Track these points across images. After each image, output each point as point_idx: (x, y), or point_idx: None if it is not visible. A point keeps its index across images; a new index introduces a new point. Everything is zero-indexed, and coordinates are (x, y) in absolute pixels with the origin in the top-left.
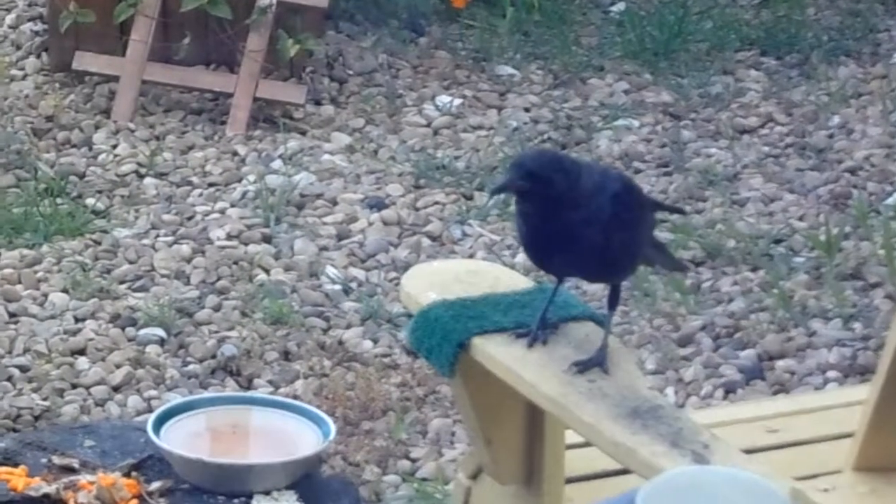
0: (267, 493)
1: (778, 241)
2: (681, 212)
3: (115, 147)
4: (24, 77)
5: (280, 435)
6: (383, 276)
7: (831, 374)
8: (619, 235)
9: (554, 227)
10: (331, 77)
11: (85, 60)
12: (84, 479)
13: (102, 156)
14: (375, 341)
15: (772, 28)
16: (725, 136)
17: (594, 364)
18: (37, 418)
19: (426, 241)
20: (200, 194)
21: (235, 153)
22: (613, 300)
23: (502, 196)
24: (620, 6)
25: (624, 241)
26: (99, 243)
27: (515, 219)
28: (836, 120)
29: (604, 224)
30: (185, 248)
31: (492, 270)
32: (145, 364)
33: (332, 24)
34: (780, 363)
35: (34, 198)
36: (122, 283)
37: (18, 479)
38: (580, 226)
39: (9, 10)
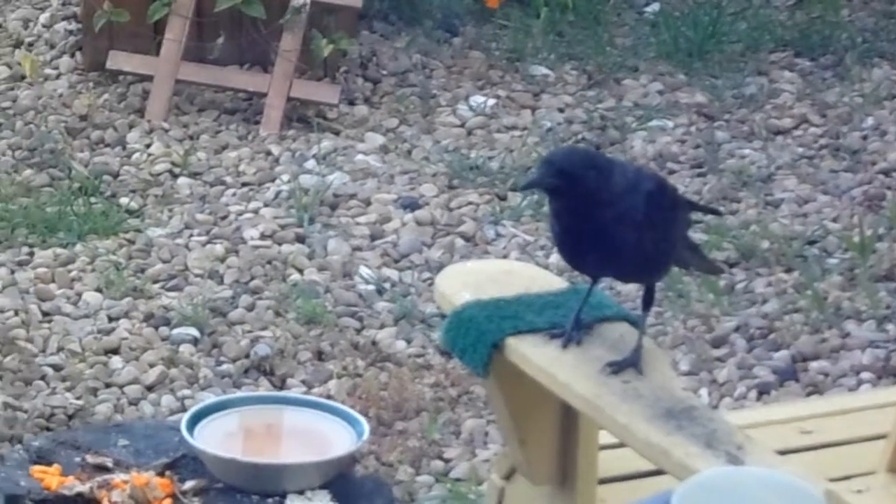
0: (300, 492)
1: (812, 243)
2: (717, 213)
3: (148, 146)
4: (58, 76)
5: (313, 435)
6: (417, 277)
7: (865, 375)
8: (652, 235)
9: (587, 225)
10: (364, 77)
11: (119, 60)
12: (118, 478)
13: (136, 155)
14: (409, 341)
15: (806, 29)
16: (759, 137)
17: (628, 365)
18: (70, 417)
19: (460, 242)
20: (234, 194)
21: (269, 153)
22: (648, 300)
23: (535, 194)
24: (655, 7)
25: (657, 241)
26: (133, 242)
27: (549, 218)
28: (870, 121)
29: (637, 223)
30: (219, 248)
31: (526, 271)
32: (179, 363)
33: (366, 24)
34: (813, 364)
35: (68, 197)
36: (155, 282)
37: (52, 477)
38: (613, 224)
39: (43, 10)
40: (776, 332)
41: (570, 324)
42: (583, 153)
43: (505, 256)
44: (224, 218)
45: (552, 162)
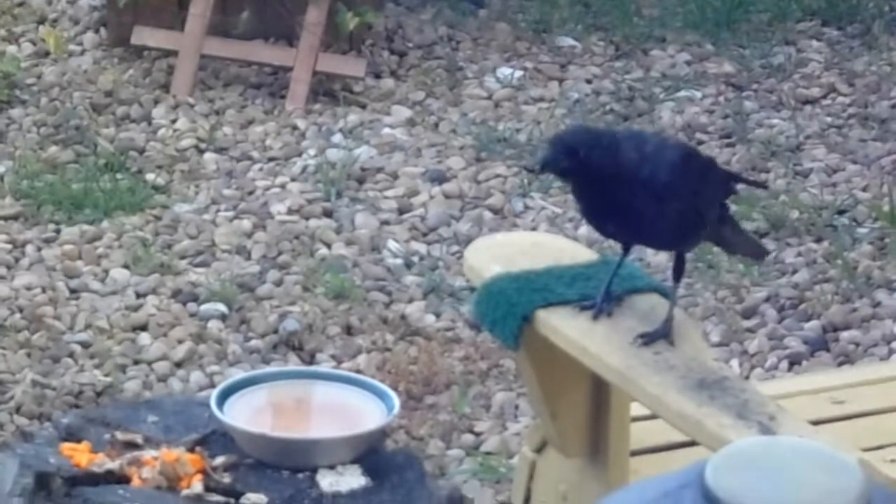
0: (331, 467)
1: (841, 212)
2: (762, 186)
3: (174, 122)
4: (83, 52)
5: (343, 409)
6: (445, 250)
7: None
8: (676, 204)
9: (606, 198)
10: (390, 50)
11: (143, 35)
12: (148, 454)
13: (162, 131)
14: (438, 315)
15: None
16: (788, 107)
17: (660, 336)
18: (99, 394)
19: (488, 215)
20: (260, 169)
21: (295, 127)
22: (678, 271)
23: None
24: None
25: (682, 210)
26: (159, 218)
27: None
28: None
29: (657, 192)
30: (246, 223)
31: (556, 243)
32: (207, 339)
33: None
34: (844, 334)
35: (94, 173)
36: (182, 258)
37: (82, 454)
38: (632, 195)
39: None
40: (807, 303)
41: (600, 295)
42: (587, 130)
43: (533, 229)
44: (251, 193)
45: (558, 142)
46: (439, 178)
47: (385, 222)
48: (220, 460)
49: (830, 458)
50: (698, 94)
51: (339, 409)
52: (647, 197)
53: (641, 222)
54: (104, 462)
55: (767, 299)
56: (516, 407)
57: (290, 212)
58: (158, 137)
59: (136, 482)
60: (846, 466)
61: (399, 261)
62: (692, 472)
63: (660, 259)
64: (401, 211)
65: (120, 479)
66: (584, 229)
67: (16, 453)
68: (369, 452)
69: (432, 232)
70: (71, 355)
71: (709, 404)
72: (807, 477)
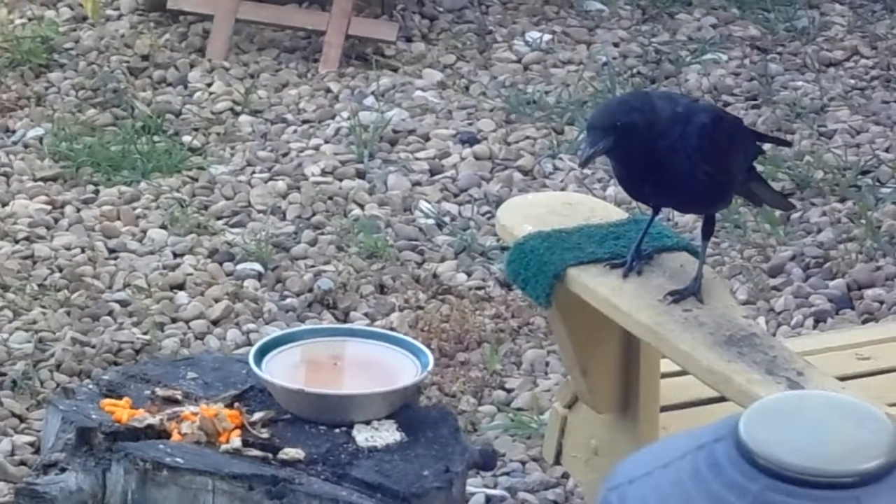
0: (367, 422)
1: (865, 172)
2: (785, 143)
3: (209, 85)
4: (120, 17)
5: (378, 366)
6: (476, 211)
7: None
8: (708, 165)
9: (641, 161)
10: (421, 14)
11: (179, 0)
12: (187, 410)
13: (198, 94)
14: (469, 274)
15: None
16: (812, 70)
17: (689, 293)
18: (137, 352)
19: (518, 176)
20: (295, 131)
21: (328, 90)
22: (707, 230)
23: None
24: None
25: (713, 171)
26: (196, 180)
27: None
28: None
29: (689, 153)
30: (281, 184)
31: (587, 202)
32: (243, 298)
33: None
34: (868, 292)
35: (131, 136)
36: (219, 218)
37: (123, 410)
38: (665, 156)
39: None
40: (831, 261)
41: (630, 254)
42: (620, 104)
43: (563, 189)
44: (285, 155)
45: (596, 126)
46: (470, 140)
47: (417, 183)
48: (257, 416)
49: (862, 411)
50: (724, 57)
51: (374, 365)
52: (681, 160)
53: (675, 185)
54: (144, 417)
55: (793, 258)
56: (546, 364)
57: (323, 173)
58: (194, 100)
59: (175, 437)
60: (877, 419)
61: (431, 221)
62: (725, 426)
63: (687, 218)
64: (432, 172)
65: (160, 434)
66: (612, 189)
67: (58, 409)
68: (404, 408)
69: (463, 193)
70: (110, 314)
71: (738, 360)
72: (839, 429)
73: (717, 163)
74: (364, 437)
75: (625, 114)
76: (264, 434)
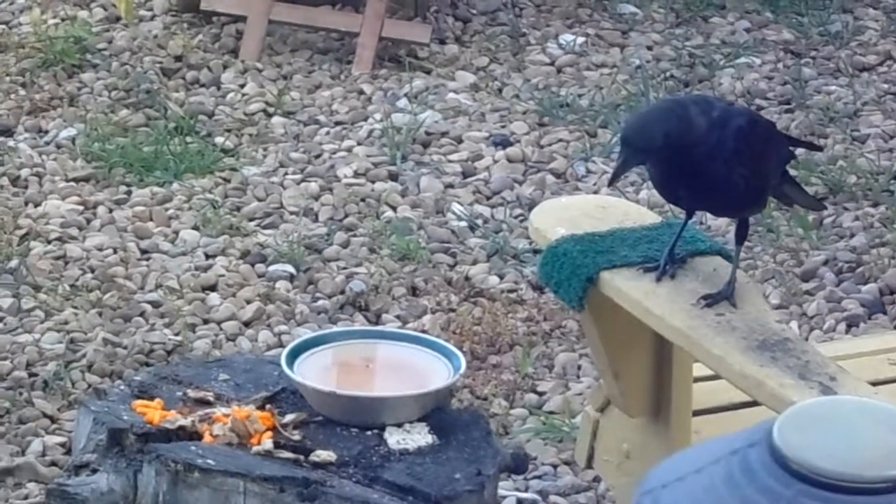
0: (399, 425)
1: None
2: (816, 147)
3: (242, 86)
4: (153, 18)
5: (410, 368)
6: (508, 213)
7: None
8: (743, 169)
9: (677, 166)
10: (455, 16)
11: (213, 1)
12: (219, 411)
13: (231, 95)
14: (501, 277)
15: None
16: (845, 74)
17: (722, 298)
18: (169, 353)
19: (550, 178)
20: (327, 133)
21: (361, 92)
22: (741, 234)
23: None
24: None
25: (749, 175)
26: (228, 181)
27: None
28: None
29: (726, 158)
30: (313, 186)
31: (620, 205)
32: (275, 300)
33: None
34: None
35: (164, 136)
36: (251, 220)
37: (154, 411)
38: (702, 161)
39: None
40: (864, 266)
41: (663, 257)
42: (652, 116)
43: (595, 192)
44: (318, 156)
45: (629, 142)
46: (503, 143)
47: (449, 185)
48: (289, 418)
49: (894, 416)
50: (758, 61)
51: (405, 368)
52: (718, 164)
53: (711, 189)
54: (176, 419)
55: (826, 262)
56: (578, 367)
57: (356, 175)
58: (227, 102)
59: (207, 439)
60: None
61: (463, 223)
62: (759, 431)
63: (720, 222)
64: (465, 174)
65: (192, 435)
66: (645, 193)
67: (89, 410)
68: (436, 411)
69: (496, 195)
70: (142, 314)
71: (770, 365)
72: (872, 435)
73: (752, 166)
74: (396, 439)
75: (663, 134)
76: (296, 436)
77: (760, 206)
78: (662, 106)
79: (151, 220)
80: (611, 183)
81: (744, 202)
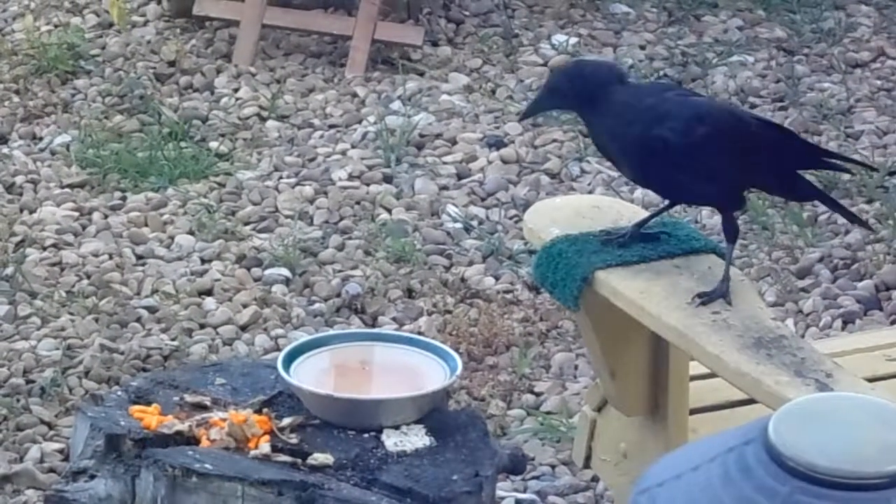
0: (396, 427)
1: (892, 174)
2: (847, 170)
3: (236, 91)
4: (146, 23)
5: (407, 370)
6: (503, 214)
7: None
8: (691, 167)
9: (608, 140)
10: (447, 18)
11: (205, 6)
12: (216, 416)
13: (224, 99)
14: (497, 278)
15: None
16: (838, 71)
17: (717, 296)
18: (166, 358)
19: (545, 179)
20: (321, 136)
21: (355, 95)
22: (729, 232)
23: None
24: None
25: (697, 175)
26: (223, 185)
27: None
28: None
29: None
30: (308, 189)
31: (614, 205)
32: (271, 303)
33: None
34: None
35: (158, 142)
36: (246, 224)
37: (151, 417)
38: (633, 145)
39: None
40: (859, 263)
41: (631, 226)
42: (588, 68)
43: (590, 192)
44: (312, 160)
45: (554, 82)
46: (497, 144)
47: (444, 187)
48: (286, 421)
49: (891, 413)
50: (750, 59)
51: (402, 370)
52: (650, 150)
53: (642, 171)
54: (173, 424)
55: (821, 259)
56: (575, 367)
57: (350, 178)
58: (221, 106)
59: (204, 443)
60: None
61: (458, 225)
62: (755, 428)
63: (715, 220)
64: (459, 176)
65: (189, 440)
66: (640, 192)
67: (86, 416)
68: (433, 412)
69: (490, 196)
70: (138, 320)
71: (767, 362)
72: (868, 431)
73: (708, 170)
74: (393, 441)
75: (570, 76)
76: (293, 439)
77: (734, 199)
78: (605, 64)
79: (147, 225)
80: (522, 118)
81: (692, 196)
